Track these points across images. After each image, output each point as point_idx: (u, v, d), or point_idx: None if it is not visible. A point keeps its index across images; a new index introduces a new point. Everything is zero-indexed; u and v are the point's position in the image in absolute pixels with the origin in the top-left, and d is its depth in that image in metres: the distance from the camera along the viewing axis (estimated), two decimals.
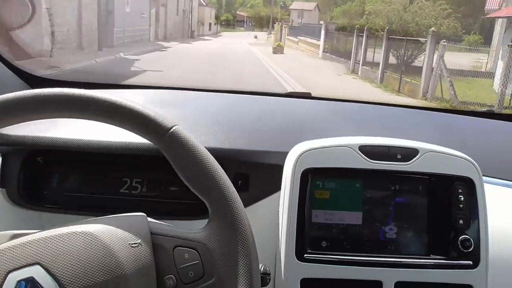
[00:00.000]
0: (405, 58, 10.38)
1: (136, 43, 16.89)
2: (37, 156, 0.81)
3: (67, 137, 0.78)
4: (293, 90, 6.80)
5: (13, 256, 0.46)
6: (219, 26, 50.98)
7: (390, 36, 10.82)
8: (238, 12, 72.16)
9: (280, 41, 28.64)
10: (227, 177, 0.54)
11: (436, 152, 0.75)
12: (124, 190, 0.83)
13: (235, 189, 0.54)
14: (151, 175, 0.83)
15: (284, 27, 29.49)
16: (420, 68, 9.49)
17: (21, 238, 0.48)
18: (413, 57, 10.26)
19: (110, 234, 0.50)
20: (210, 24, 44.34)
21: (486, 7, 14.78)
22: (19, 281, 0.44)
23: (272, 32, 36.42)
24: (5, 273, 0.45)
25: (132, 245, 0.50)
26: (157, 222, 0.57)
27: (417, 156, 0.74)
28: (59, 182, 0.84)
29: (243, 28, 65.69)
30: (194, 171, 0.53)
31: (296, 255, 0.71)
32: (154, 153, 0.66)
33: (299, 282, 0.71)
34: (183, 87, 1.25)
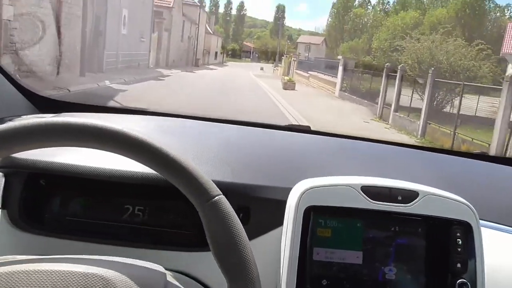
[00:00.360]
0: (459, 107, 8.30)
1: (131, 69, 15.18)
2: (40, 178, 0.81)
3: (74, 163, 0.78)
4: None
5: (28, 283, 0.46)
6: (225, 56, 49.86)
7: (436, 79, 8.94)
8: (244, 43, 71.64)
9: (288, 74, 27.26)
10: (253, 256, 0.54)
11: (436, 196, 0.77)
12: (126, 217, 0.82)
13: (257, 270, 0.55)
14: (154, 203, 0.83)
15: (293, 60, 28.12)
16: (471, 117, 7.57)
17: (36, 264, 0.49)
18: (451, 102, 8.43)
19: (126, 285, 0.49)
20: (216, 53, 43.04)
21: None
22: None
23: (279, 64, 35.17)
24: None
25: None
26: (174, 284, 0.58)
27: (417, 199, 0.76)
28: (61, 205, 0.83)
29: (249, 59, 64.76)
30: (225, 246, 0.53)
31: None
32: (158, 183, 0.74)
33: None
34: (184, 114, 1.26)
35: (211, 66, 32.96)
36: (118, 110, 1.27)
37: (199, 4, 30.59)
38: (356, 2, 64.99)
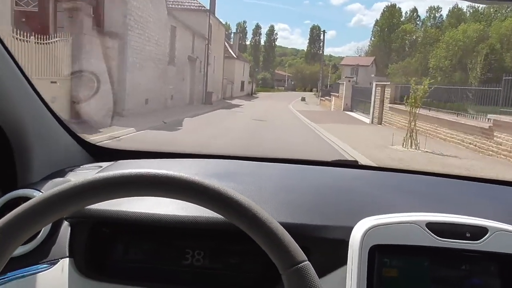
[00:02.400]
0: None
1: None
2: (102, 226, 0.83)
3: (138, 211, 0.79)
4: None
5: None
6: (254, 86, 40.78)
7: None
8: (276, 71, 62.70)
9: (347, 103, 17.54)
10: None
11: (507, 232, 0.73)
12: (187, 261, 0.83)
13: None
14: (214, 246, 0.84)
15: (345, 83, 18.65)
16: None
17: None
18: None
19: None
20: (242, 83, 33.80)
21: None
22: None
23: (328, 96, 25.80)
24: None
25: None
26: None
27: (488, 235, 0.72)
28: (123, 252, 0.84)
29: (283, 88, 55.69)
30: None
31: None
32: (221, 227, 0.75)
33: None
34: (234, 155, 1.26)
35: (235, 101, 23.65)
36: (168, 155, 1.24)
37: (207, 8, 19.84)
38: (403, 18, 56.27)
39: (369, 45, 58.41)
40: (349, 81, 19.35)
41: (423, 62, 39.42)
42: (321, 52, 62.63)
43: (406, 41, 51.08)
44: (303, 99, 29.62)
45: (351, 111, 18.31)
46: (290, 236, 0.54)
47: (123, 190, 0.53)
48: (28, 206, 0.50)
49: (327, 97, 25.43)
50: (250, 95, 34.81)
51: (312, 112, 18.05)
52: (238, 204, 0.53)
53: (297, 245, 0.54)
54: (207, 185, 0.53)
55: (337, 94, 20.78)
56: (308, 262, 0.53)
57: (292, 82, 57.39)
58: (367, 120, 14.51)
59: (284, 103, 25.02)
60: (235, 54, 30.33)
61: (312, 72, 52.80)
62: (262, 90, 46.01)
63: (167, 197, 0.54)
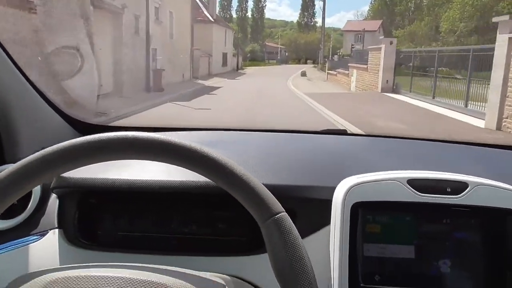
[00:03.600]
0: None
1: None
2: (90, 197, 0.84)
3: (125, 178, 0.81)
4: None
5: (98, 285, 0.50)
6: (240, 60, 33.11)
7: None
8: (267, 43, 54.96)
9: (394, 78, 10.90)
10: (314, 273, 0.54)
11: (487, 186, 0.74)
12: (176, 228, 0.84)
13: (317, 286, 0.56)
14: (201, 212, 0.84)
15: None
16: None
17: (99, 269, 0.54)
18: None
19: None
20: (225, 55, 26.27)
21: None
22: None
23: (341, 70, 19.00)
24: None
25: None
26: None
27: (468, 190, 0.74)
28: (112, 222, 0.85)
29: (275, 61, 48.22)
30: (285, 263, 0.52)
31: None
32: (208, 192, 0.77)
33: None
34: (224, 128, 1.27)
35: (211, 81, 16.51)
36: (158, 129, 1.21)
37: None
38: None
39: (368, 9, 50.98)
40: (391, 43, 12.19)
41: (433, 26, 33.28)
42: (314, 23, 55.44)
43: (410, 3, 44.13)
44: (303, 73, 22.92)
45: (396, 92, 11.40)
46: (267, 189, 0.55)
47: (111, 152, 0.53)
48: (13, 169, 0.51)
49: (339, 70, 18.41)
50: (236, 71, 27.54)
51: (330, 96, 11.17)
52: (214, 161, 0.53)
53: (274, 197, 0.54)
54: (183, 144, 0.53)
55: (363, 65, 13.73)
56: (285, 213, 0.54)
57: (286, 53, 49.85)
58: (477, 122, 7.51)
59: (279, 80, 18.35)
60: (212, 17, 22.74)
61: (308, 41, 45.36)
62: (251, 65, 37.99)
63: (143, 159, 0.54)
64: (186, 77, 16.05)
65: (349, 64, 16.41)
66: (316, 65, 34.73)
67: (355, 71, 14.93)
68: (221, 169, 0.53)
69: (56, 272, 0.52)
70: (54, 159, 0.51)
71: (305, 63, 40.22)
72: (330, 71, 20.38)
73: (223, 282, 0.58)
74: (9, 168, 0.51)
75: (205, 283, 0.56)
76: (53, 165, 0.51)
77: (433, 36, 30.17)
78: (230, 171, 0.54)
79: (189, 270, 0.58)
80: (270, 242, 0.53)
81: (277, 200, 0.54)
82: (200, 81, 16.12)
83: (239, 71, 28.79)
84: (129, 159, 0.54)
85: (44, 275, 0.52)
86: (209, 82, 15.98)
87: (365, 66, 13.56)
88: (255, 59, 43.50)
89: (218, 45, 23.53)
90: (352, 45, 35.63)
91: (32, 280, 0.51)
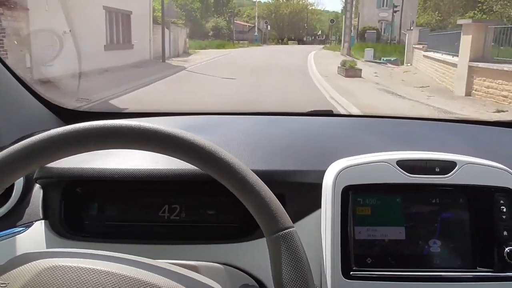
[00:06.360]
0: None
1: None
2: (75, 187, 0.83)
3: (111, 167, 0.79)
4: None
5: (93, 280, 0.48)
6: (187, 43, 19.83)
7: None
8: (237, 22, 43.29)
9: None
10: None
11: (475, 164, 0.75)
12: (164, 216, 0.83)
13: None
14: (189, 199, 0.84)
15: None
16: None
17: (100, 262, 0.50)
18: None
19: None
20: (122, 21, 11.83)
21: None
22: None
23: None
24: None
25: None
26: None
27: (456, 169, 0.75)
28: (98, 211, 0.85)
29: (246, 42, 36.73)
30: (289, 277, 0.51)
31: (342, 273, 0.71)
32: (192, 178, 0.76)
33: None
34: (209, 112, 1.27)
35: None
36: (143, 115, 1.19)
37: None
38: None
39: None
40: None
41: None
42: None
43: None
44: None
45: None
46: (278, 201, 0.54)
47: (111, 141, 0.52)
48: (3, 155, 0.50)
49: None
50: (159, 62, 13.57)
51: None
52: (228, 165, 0.52)
53: (284, 211, 0.54)
54: (196, 142, 0.52)
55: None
56: (294, 229, 0.53)
57: (268, 27, 38.32)
58: None
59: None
60: None
61: (293, 11, 34.33)
62: (211, 46, 25.02)
63: (155, 152, 0.53)
64: None
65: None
66: (326, 45, 24.77)
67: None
68: (233, 173, 0.52)
69: (50, 259, 0.50)
70: (39, 149, 0.50)
71: (299, 42, 30.00)
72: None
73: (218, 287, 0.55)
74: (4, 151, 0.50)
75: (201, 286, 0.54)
76: (38, 155, 0.50)
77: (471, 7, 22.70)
78: (243, 177, 0.52)
79: (183, 270, 0.55)
80: (275, 257, 0.52)
81: (287, 214, 0.53)
82: None
83: (186, 57, 16.32)
84: (133, 150, 0.53)
85: (38, 261, 0.50)
86: None
87: None
88: (219, 38, 32.38)
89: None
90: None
91: (27, 264, 0.50)
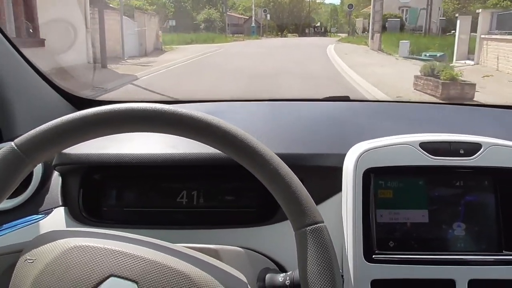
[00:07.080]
0: None
1: None
2: (93, 173, 0.83)
3: (128, 153, 0.79)
4: None
5: (118, 262, 0.48)
6: (160, 33, 15.63)
7: None
8: (229, 14, 38.92)
9: None
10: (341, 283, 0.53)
11: (501, 146, 0.74)
12: (182, 201, 0.83)
13: None
14: (207, 185, 0.83)
15: None
16: None
17: (127, 245, 0.51)
18: None
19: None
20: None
21: None
22: None
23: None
24: (108, 274, 0.48)
25: None
26: None
27: (481, 151, 0.73)
28: (116, 198, 0.85)
29: (241, 35, 32.53)
30: (315, 274, 0.50)
31: (364, 257, 0.70)
32: (211, 162, 0.76)
33: (369, 284, 0.70)
34: (229, 99, 1.26)
35: None
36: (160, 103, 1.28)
37: None
38: None
39: None
40: None
41: None
42: None
43: None
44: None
45: None
46: (308, 194, 0.53)
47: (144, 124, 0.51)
48: (49, 127, 0.50)
49: None
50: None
51: None
52: (260, 154, 0.52)
53: (315, 205, 0.53)
54: (230, 130, 0.52)
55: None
56: (324, 224, 0.52)
57: (267, 16, 34.02)
58: None
59: None
60: None
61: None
62: (198, 40, 21.60)
63: (186, 137, 0.52)
64: None
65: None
66: (342, 38, 21.06)
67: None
68: (265, 163, 0.51)
69: (77, 238, 0.51)
70: (65, 131, 0.50)
71: (302, 34, 25.99)
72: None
73: (245, 280, 0.55)
74: (54, 121, 0.50)
75: (230, 281, 0.53)
76: (71, 134, 0.50)
77: None
78: (274, 168, 0.51)
79: (207, 257, 0.55)
80: (302, 251, 0.51)
81: (317, 209, 0.53)
82: None
83: (123, 64, 10.68)
84: (163, 134, 0.52)
85: (65, 239, 0.51)
86: None
87: None
88: (210, 30, 28.14)
89: None
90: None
91: (54, 241, 0.51)
